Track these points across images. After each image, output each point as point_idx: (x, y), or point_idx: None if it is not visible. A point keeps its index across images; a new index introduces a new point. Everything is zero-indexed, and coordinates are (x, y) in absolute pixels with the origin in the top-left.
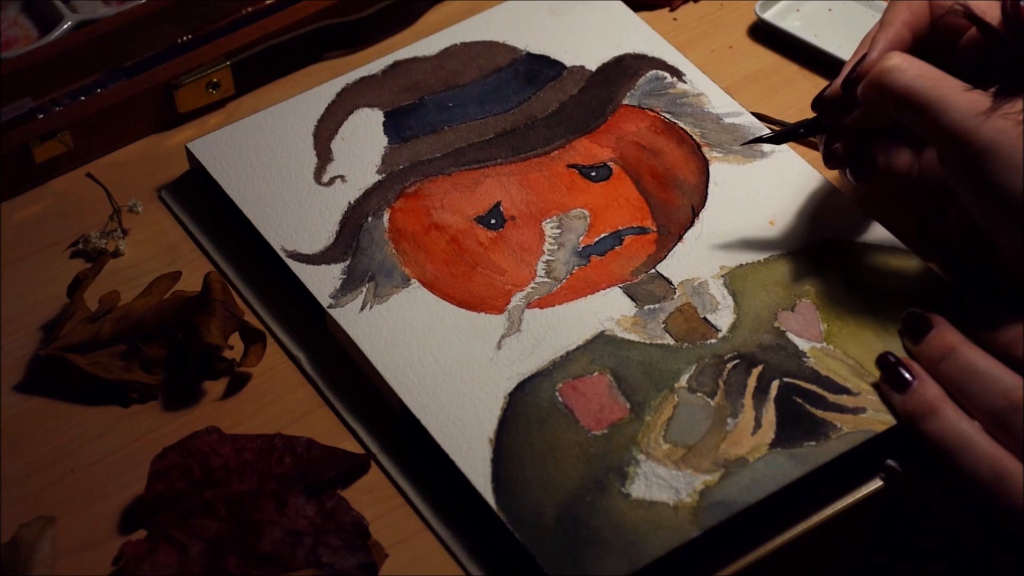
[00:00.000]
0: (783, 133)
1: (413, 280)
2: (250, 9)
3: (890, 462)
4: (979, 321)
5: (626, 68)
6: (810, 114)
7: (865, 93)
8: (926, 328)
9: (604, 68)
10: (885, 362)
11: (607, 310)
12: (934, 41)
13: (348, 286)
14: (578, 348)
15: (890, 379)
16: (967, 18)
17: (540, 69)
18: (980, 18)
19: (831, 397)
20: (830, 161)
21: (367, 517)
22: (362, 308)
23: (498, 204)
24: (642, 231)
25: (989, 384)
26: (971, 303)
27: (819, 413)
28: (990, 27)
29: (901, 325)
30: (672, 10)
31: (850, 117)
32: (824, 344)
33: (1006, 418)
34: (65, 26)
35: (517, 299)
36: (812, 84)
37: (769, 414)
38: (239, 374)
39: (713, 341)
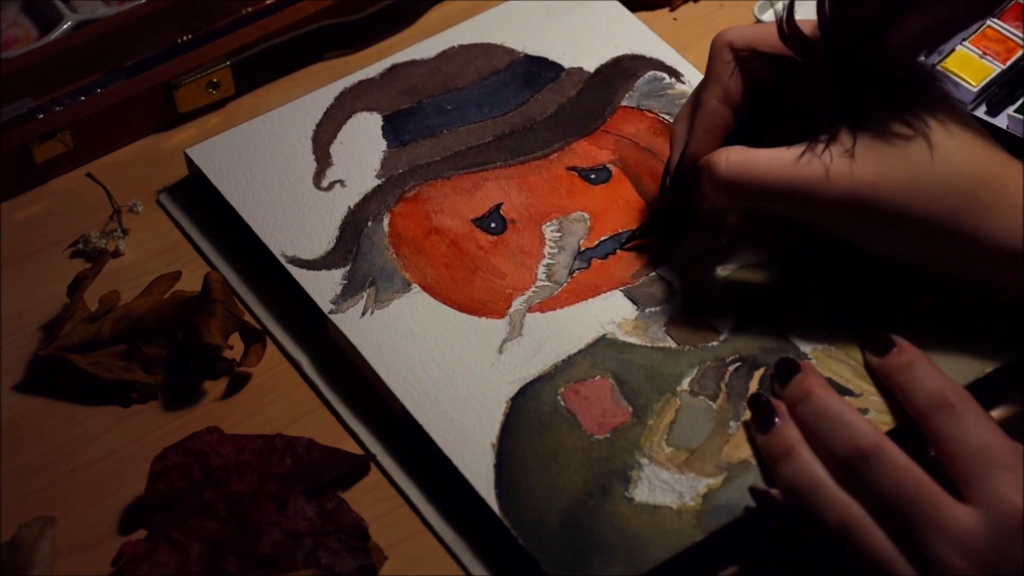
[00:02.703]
0: (643, 229)
1: (414, 285)
2: (250, 9)
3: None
4: (868, 347)
5: (624, 69)
6: None
7: (712, 195)
8: (792, 372)
9: (602, 69)
10: (755, 401)
11: (608, 313)
12: (756, 96)
13: (349, 291)
14: (580, 352)
15: (756, 418)
16: (759, 63)
17: (538, 71)
18: (773, 56)
19: None
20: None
21: (367, 517)
22: (363, 313)
23: (498, 207)
24: None
25: (839, 429)
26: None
27: None
28: (783, 60)
29: (773, 370)
30: (672, 10)
31: (704, 205)
32: (826, 345)
33: (852, 464)
34: (65, 26)
35: (518, 303)
36: None
37: None
38: (239, 374)
39: (715, 344)
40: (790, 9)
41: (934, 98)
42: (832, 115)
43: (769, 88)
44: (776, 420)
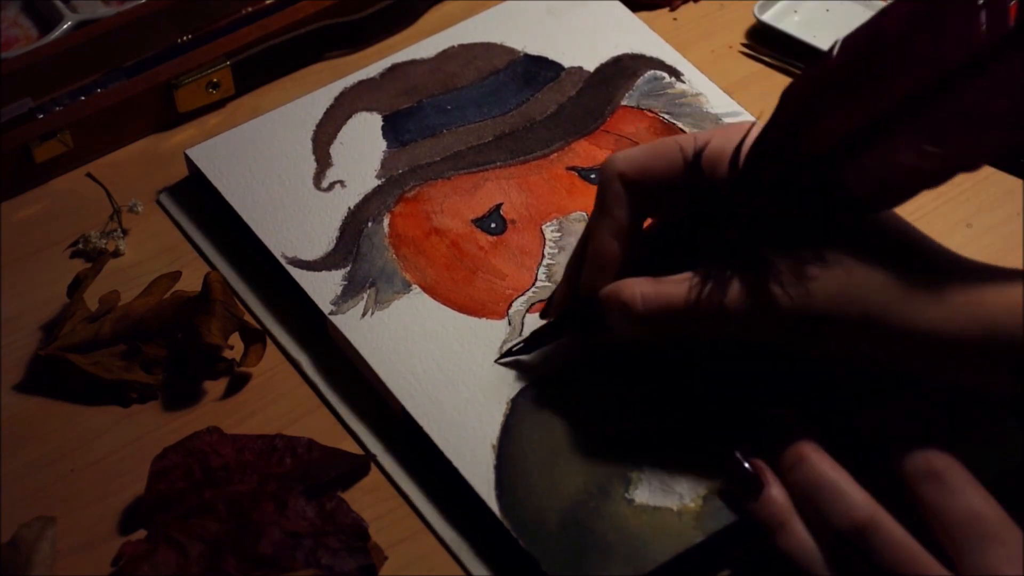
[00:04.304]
0: (528, 343)
1: (414, 285)
2: (250, 9)
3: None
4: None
5: (624, 68)
6: None
7: (626, 329)
8: (783, 432)
9: (602, 69)
10: (734, 461)
11: None
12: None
13: (349, 292)
14: None
15: (739, 482)
16: (653, 193)
17: (538, 70)
18: (668, 185)
19: None
20: None
21: (367, 517)
22: (363, 314)
23: (498, 208)
24: None
25: (834, 500)
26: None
27: None
28: (678, 188)
29: (764, 424)
30: (672, 10)
31: (604, 337)
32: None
33: (848, 537)
34: (65, 26)
35: (518, 304)
36: None
37: None
38: (239, 374)
39: None
40: (698, 154)
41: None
42: (742, 243)
43: (665, 212)
44: (764, 487)
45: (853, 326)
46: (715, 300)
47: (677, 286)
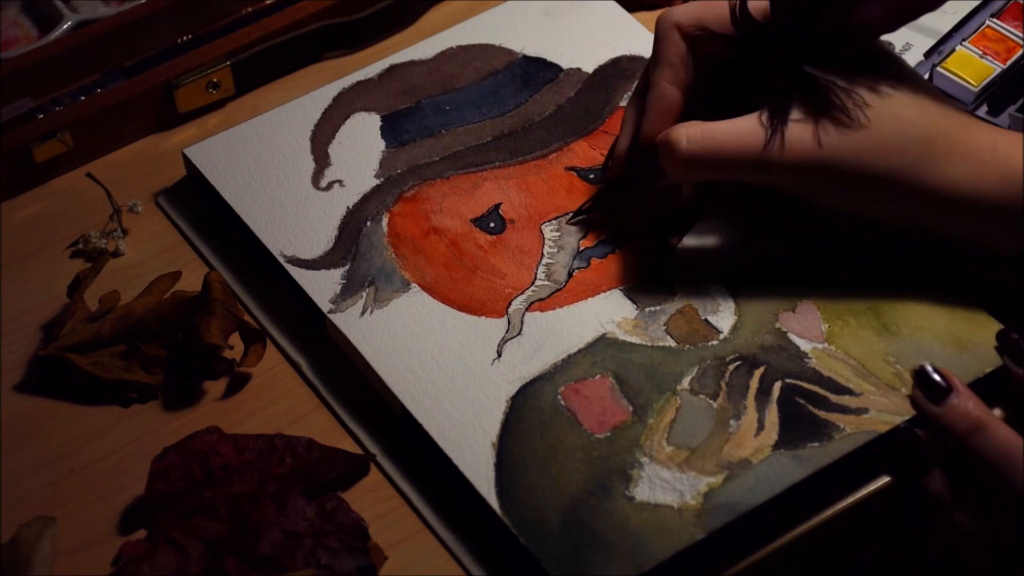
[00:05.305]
0: (589, 206)
1: (413, 284)
2: (250, 9)
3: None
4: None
5: (623, 70)
6: None
7: (674, 171)
8: (944, 393)
9: (601, 70)
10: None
11: (608, 312)
12: (703, 74)
13: (348, 291)
14: (579, 351)
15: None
16: (708, 42)
17: (537, 72)
18: (722, 35)
19: (833, 398)
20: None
21: (367, 517)
22: (362, 313)
23: (497, 207)
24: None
25: None
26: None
27: (822, 414)
28: (732, 37)
29: (914, 379)
30: None
31: (662, 183)
32: (825, 345)
33: None
34: (65, 26)
35: (517, 302)
36: None
37: (772, 415)
38: (239, 374)
39: (714, 343)
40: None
41: (881, 59)
42: (785, 89)
43: (718, 64)
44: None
45: (885, 177)
46: (757, 142)
47: (723, 128)
